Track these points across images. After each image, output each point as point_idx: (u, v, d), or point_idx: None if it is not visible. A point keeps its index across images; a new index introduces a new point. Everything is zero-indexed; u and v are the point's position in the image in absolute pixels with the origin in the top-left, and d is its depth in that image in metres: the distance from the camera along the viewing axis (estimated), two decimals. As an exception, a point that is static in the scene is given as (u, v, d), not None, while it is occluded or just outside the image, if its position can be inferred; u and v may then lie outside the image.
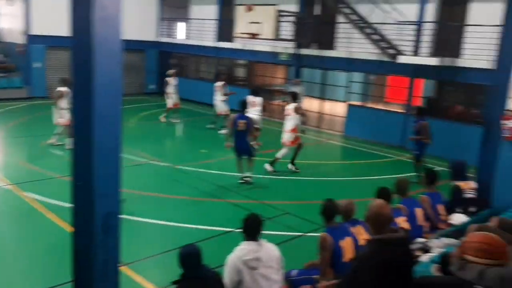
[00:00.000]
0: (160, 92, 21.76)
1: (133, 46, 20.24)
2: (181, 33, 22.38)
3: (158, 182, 9.51)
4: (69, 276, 3.63)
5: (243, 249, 4.13)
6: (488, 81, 7.67)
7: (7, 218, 7.31)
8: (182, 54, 21.64)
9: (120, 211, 3.57)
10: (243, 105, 9.38)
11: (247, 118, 9.20)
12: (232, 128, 9.15)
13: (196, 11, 20.85)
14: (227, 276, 4.10)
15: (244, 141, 9.17)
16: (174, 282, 3.72)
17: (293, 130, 10.20)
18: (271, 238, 6.25)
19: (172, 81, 15.32)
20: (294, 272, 4.79)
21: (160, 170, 10.23)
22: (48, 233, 6.66)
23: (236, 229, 4.35)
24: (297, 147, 10.34)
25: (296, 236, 6.98)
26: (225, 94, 14.50)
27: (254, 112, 12.85)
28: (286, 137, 10.28)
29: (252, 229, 4.22)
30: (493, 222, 3.73)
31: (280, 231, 7.05)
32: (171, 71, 15.80)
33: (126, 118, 15.61)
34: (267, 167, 10.26)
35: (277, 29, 15.06)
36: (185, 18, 21.76)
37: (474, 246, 2.78)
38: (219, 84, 14.65)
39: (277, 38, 15.34)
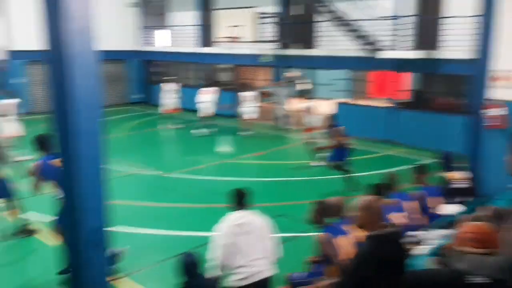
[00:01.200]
0: (147, 101, 21.70)
1: (113, 56, 20.02)
2: (161, 40, 22.24)
3: (148, 192, 9.44)
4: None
5: (232, 216, 4.22)
6: (468, 71, 7.78)
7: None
8: (166, 62, 21.52)
9: (106, 226, 3.50)
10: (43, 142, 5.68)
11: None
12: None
13: (175, 18, 20.78)
14: (219, 243, 4.13)
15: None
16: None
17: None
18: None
19: (172, 87, 16.22)
20: (296, 275, 4.87)
21: (150, 180, 10.17)
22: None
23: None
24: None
25: (292, 237, 6.97)
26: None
27: (250, 105, 14.15)
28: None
29: (239, 197, 4.32)
30: (487, 211, 3.80)
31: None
32: (169, 78, 17.06)
33: (111, 129, 15.50)
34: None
35: (257, 31, 15.15)
36: (165, 26, 21.63)
37: (469, 236, 2.83)
38: (210, 89, 15.22)
39: (258, 40, 15.38)
